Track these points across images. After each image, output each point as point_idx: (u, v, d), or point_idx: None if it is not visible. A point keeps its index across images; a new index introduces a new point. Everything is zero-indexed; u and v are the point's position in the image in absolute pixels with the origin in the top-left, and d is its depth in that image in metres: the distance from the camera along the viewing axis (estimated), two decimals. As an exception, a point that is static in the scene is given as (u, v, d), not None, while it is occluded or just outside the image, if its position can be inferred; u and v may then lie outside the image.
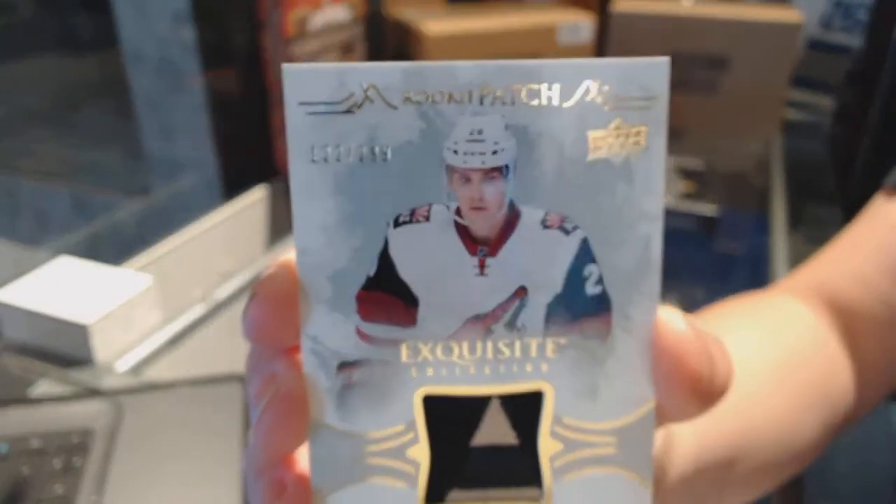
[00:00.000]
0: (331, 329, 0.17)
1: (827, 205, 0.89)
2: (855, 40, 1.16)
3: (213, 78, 0.85)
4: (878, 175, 0.45)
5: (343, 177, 0.16)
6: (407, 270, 0.17)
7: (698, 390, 0.17)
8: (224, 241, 0.84)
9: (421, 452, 0.17)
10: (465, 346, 0.17)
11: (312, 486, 0.17)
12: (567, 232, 0.17)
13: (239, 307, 0.73)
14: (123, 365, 0.57)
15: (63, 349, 0.56)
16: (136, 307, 0.58)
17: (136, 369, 0.57)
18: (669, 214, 0.76)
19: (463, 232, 0.17)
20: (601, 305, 0.17)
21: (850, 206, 0.55)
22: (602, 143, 0.16)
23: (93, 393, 0.52)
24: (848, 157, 0.97)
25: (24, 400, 0.52)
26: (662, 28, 1.02)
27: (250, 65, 0.87)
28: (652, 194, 0.17)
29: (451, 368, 0.17)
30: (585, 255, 0.17)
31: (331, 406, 0.17)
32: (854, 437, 0.48)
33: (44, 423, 0.47)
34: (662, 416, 0.18)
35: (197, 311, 0.67)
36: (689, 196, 0.80)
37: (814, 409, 0.39)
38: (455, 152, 0.16)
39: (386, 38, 1.07)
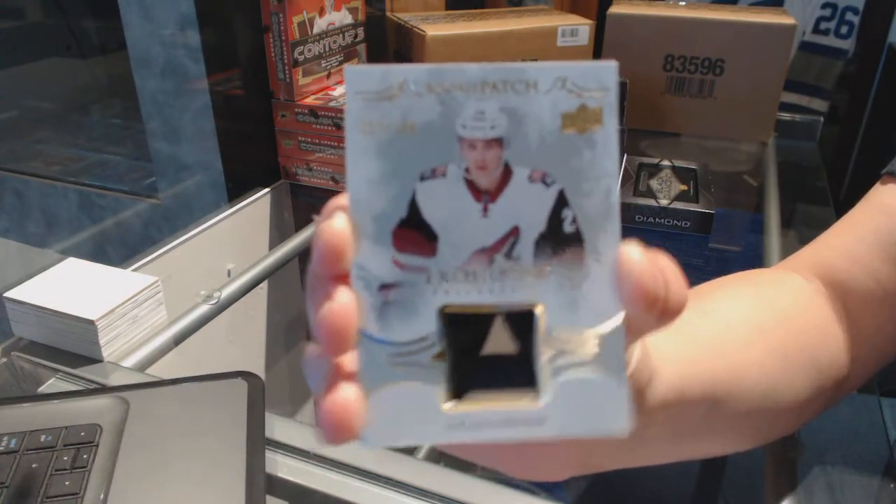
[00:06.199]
0: (373, 258, 0.21)
1: (820, 205, 0.89)
2: (847, 44, 1.17)
3: (218, 81, 0.86)
4: (869, 175, 0.47)
5: (384, 144, 0.21)
6: (429, 213, 0.21)
7: (655, 306, 0.21)
8: (229, 242, 0.85)
9: (441, 358, 0.21)
10: (473, 271, 0.21)
11: (360, 386, 0.21)
12: (547, 185, 0.21)
13: (243, 306, 0.75)
14: (130, 362, 0.58)
15: (71, 347, 0.57)
16: (143, 305, 0.60)
17: (143, 366, 0.58)
18: (666, 214, 0.77)
19: (470, 185, 0.21)
20: (576, 240, 0.21)
21: (842, 206, 0.57)
22: (571, 120, 0.21)
23: (100, 389, 0.52)
24: (840, 159, 0.98)
25: (33, 396, 0.53)
26: (657, 30, 1.02)
27: (255, 67, 0.89)
28: (610, 157, 0.21)
29: (464, 289, 0.21)
30: (562, 202, 0.21)
31: (373, 319, 0.21)
32: (846, 430, 0.49)
33: (52, 418, 0.47)
34: (633, 329, 0.22)
35: (202, 309, 0.68)
36: (685, 196, 0.80)
37: (800, 368, 0.40)
38: (464, 127, 0.21)
39: (387, 41, 1.08)
